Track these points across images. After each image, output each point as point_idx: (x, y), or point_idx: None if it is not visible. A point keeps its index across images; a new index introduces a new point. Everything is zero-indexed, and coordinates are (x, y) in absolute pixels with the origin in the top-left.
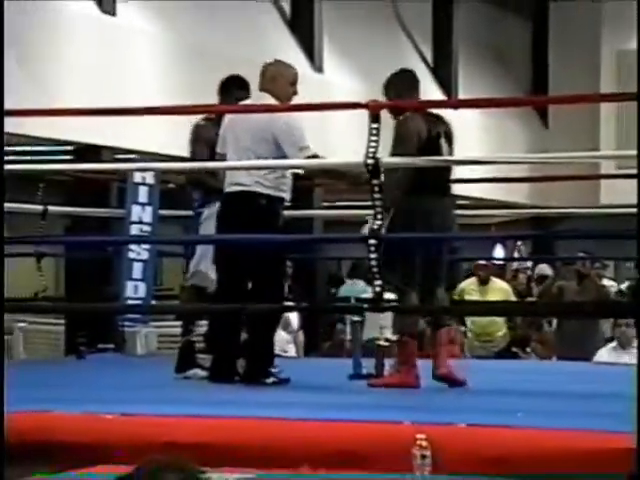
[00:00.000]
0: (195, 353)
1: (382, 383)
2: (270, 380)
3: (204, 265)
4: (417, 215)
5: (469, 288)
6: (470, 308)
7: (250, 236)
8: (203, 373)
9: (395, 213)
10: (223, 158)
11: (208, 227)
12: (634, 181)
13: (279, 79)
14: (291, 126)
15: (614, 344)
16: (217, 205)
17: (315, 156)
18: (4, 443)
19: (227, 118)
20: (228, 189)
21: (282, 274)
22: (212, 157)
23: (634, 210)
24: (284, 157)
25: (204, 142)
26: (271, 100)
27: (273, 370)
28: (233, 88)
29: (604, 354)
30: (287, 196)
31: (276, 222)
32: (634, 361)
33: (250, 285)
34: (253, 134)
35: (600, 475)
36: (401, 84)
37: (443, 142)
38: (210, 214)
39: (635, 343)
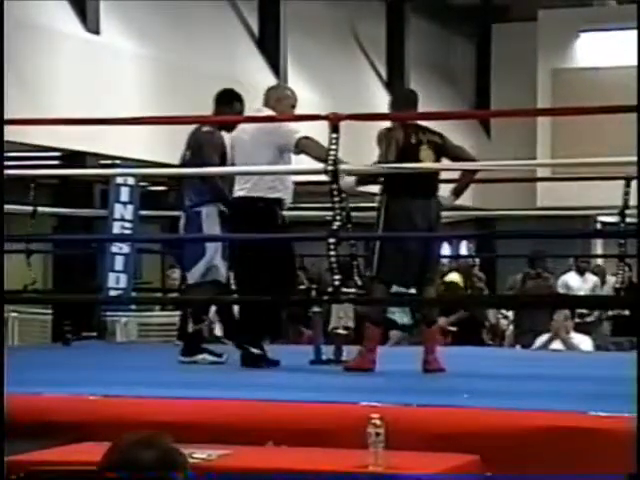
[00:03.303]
0: (203, 340)
1: (353, 366)
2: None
3: (217, 260)
4: (400, 216)
5: (460, 280)
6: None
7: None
8: (211, 358)
9: (382, 215)
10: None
11: (211, 224)
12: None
13: (283, 101)
14: (280, 125)
15: (551, 334)
16: (214, 205)
17: (307, 137)
18: (4, 426)
19: (236, 130)
20: (235, 194)
21: (263, 269)
22: (223, 162)
23: (567, 212)
24: (281, 161)
25: (213, 148)
26: (270, 114)
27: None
28: (234, 100)
29: (542, 342)
30: (285, 196)
31: (274, 221)
32: (560, 347)
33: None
34: (254, 142)
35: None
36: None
37: (425, 149)
38: (209, 212)
39: (572, 334)
